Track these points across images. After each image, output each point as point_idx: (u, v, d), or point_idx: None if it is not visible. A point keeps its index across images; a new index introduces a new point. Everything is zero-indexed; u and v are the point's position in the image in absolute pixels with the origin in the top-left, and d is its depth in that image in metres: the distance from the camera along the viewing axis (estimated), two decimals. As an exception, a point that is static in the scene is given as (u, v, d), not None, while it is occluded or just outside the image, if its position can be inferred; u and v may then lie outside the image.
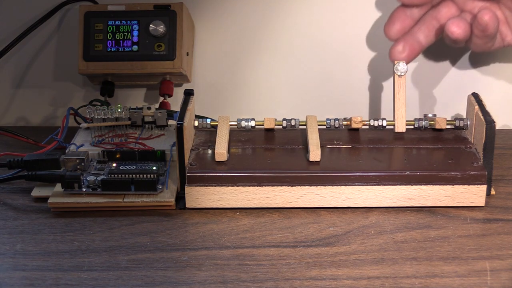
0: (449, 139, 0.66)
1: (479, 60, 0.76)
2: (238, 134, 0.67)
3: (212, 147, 0.64)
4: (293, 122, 0.66)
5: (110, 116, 0.68)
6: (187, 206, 0.62)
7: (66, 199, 0.61)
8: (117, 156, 0.65)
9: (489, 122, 0.62)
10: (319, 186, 0.61)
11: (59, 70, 0.78)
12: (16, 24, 0.76)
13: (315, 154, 0.62)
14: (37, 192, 0.64)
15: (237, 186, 0.61)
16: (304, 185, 0.61)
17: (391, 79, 0.76)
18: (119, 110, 0.68)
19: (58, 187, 0.62)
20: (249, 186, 0.61)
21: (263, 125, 0.67)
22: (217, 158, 0.62)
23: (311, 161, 0.62)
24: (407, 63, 0.67)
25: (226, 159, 0.62)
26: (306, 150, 0.64)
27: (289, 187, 0.61)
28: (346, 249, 0.56)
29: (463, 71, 0.76)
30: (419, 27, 0.69)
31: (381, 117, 0.67)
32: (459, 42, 0.66)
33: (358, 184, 0.61)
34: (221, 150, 0.62)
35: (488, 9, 0.63)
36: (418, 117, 0.67)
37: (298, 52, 0.76)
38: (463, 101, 0.68)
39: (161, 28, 0.71)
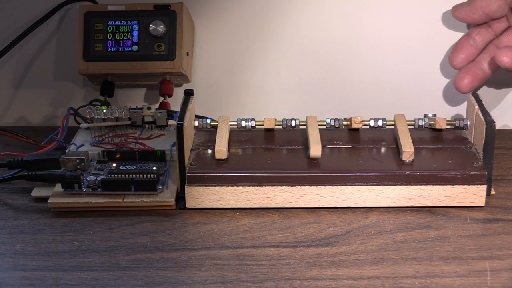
0: (449, 139, 0.66)
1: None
2: (238, 134, 0.67)
3: (212, 147, 0.64)
4: (293, 122, 0.66)
5: (110, 116, 0.68)
6: (187, 206, 0.62)
7: (66, 199, 0.61)
8: (117, 156, 0.65)
9: (489, 122, 0.62)
10: (319, 186, 0.61)
11: (59, 70, 0.78)
12: (16, 24, 0.76)
13: (316, 149, 0.62)
14: (37, 192, 0.64)
15: (237, 186, 0.61)
16: (304, 185, 0.61)
17: (391, 79, 0.77)
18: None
19: (58, 187, 0.62)
20: (249, 186, 0.61)
21: (263, 125, 0.67)
22: (217, 156, 0.62)
23: (312, 160, 0.62)
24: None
25: (226, 157, 0.62)
26: (306, 150, 0.64)
27: (289, 187, 0.61)
28: (346, 249, 0.56)
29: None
30: (482, 56, 0.71)
31: (381, 117, 0.67)
32: (510, 71, 0.68)
33: (358, 184, 0.61)
34: (221, 147, 0.62)
35: None
36: (418, 117, 0.67)
37: (298, 52, 0.76)
38: (463, 101, 0.68)
39: (161, 28, 0.71)
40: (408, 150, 0.62)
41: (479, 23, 0.70)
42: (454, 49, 0.72)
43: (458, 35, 0.74)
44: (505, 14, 0.68)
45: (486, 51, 0.71)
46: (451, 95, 0.77)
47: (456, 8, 0.70)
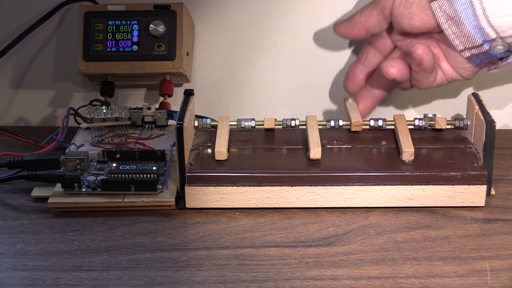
0: (449, 139, 0.66)
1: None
2: (238, 134, 0.67)
3: (212, 147, 0.64)
4: (293, 122, 0.66)
5: (110, 116, 0.68)
6: (187, 206, 0.62)
7: (66, 199, 0.61)
8: (117, 156, 0.65)
9: (489, 122, 0.62)
10: (319, 186, 0.61)
11: (59, 70, 0.78)
12: (16, 24, 0.76)
13: (315, 151, 0.62)
14: (37, 192, 0.64)
15: (237, 186, 0.61)
16: (304, 185, 0.61)
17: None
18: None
19: (58, 187, 0.62)
20: (249, 186, 0.61)
21: (263, 125, 0.67)
22: (217, 157, 0.62)
23: (311, 160, 0.62)
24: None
25: (226, 158, 0.62)
26: (306, 150, 0.64)
27: (289, 187, 0.61)
28: (346, 249, 0.56)
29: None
30: (372, 81, 0.71)
31: (381, 117, 0.67)
32: (400, 82, 0.68)
33: (358, 184, 0.61)
34: (221, 148, 0.62)
35: (420, 43, 0.64)
36: (418, 117, 0.67)
37: (298, 52, 0.76)
38: (463, 101, 0.68)
39: (161, 28, 0.71)
40: (408, 150, 0.62)
41: (360, 39, 0.70)
42: (346, 76, 0.73)
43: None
44: (384, 29, 0.68)
45: (376, 76, 0.71)
46: (451, 95, 0.77)
47: (337, 25, 0.70)
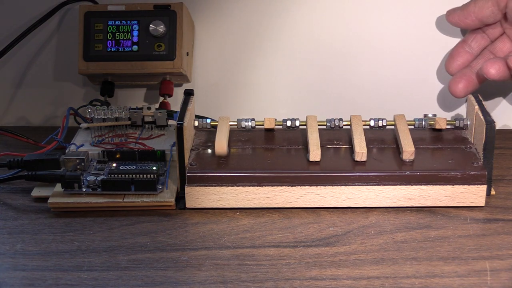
0: (449, 139, 0.66)
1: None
2: (238, 134, 0.67)
3: (212, 147, 0.64)
4: (293, 123, 0.66)
5: (110, 116, 0.68)
6: (187, 206, 0.62)
7: (66, 199, 0.61)
8: (117, 156, 0.65)
9: (489, 122, 0.62)
10: (319, 186, 0.61)
11: (59, 70, 0.78)
12: (16, 24, 0.76)
13: (315, 154, 0.62)
14: (37, 192, 0.64)
15: (237, 186, 0.61)
16: (304, 185, 0.61)
17: (391, 78, 0.77)
18: (118, 110, 0.68)
19: (58, 187, 0.62)
20: (249, 186, 0.61)
21: (263, 125, 0.67)
22: (217, 150, 0.62)
23: (311, 161, 0.62)
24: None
25: (226, 153, 0.62)
26: (306, 150, 0.64)
27: (289, 187, 0.61)
28: (346, 249, 0.56)
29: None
30: (478, 61, 0.71)
31: (381, 117, 0.67)
32: (498, 81, 0.68)
33: (358, 184, 0.61)
34: (221, 141, 0.62)
35: None
36: (418, 117, 0.67)
37: (298, 52, 0.76)
38: (463, 101, 0.68)
39: (161, 28, 0.71)
40: (408, 149, 0.62)
41: (472, 28, 0.71)
42: (450, 55, 0.73)
43: (457, 33, 0.74)
44: (498, 20, 0.69)
45: (481, 57, 0.71)
46: (451, 95, 0.76)
47: (449, 12, 0.71)
